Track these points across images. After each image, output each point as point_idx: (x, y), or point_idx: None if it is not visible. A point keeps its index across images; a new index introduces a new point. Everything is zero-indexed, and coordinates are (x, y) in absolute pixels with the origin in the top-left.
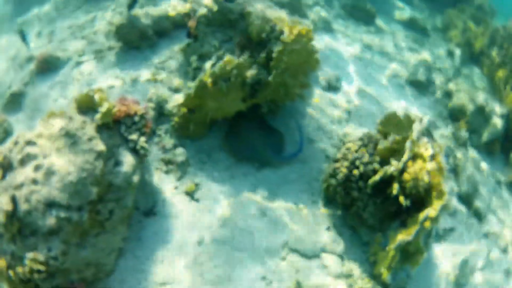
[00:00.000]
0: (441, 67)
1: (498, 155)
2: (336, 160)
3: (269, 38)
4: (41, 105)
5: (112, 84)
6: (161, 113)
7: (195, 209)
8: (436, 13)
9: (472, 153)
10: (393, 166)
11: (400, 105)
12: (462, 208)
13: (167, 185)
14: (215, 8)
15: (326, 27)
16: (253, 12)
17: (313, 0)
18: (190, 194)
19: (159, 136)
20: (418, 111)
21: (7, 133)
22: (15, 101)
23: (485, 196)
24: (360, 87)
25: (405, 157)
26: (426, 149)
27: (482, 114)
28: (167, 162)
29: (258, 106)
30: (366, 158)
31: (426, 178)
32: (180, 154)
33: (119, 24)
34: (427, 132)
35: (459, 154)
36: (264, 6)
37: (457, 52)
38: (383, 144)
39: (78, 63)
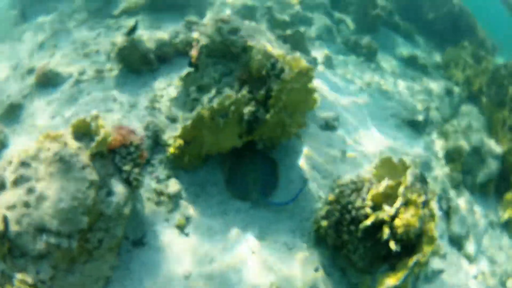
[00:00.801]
0: (438, 106)
1: (492, 196)
2: (329, 203)
3: (269, 75)
4: (38, 120)
5: (110, 107)
6: (157, 142)
7: (184, 243)
8: (438, 50)
9: (466, 194)
10: (385, 212)
11: (396, 144)
12: (452, 250)
13: (158, 216)
14: (218, 39)
15: (327, 63)
16: (254, 47)
17: (316, 33)
18: (181, 228)
19: (153, 166)
20: (414, 152)
21: (3, 145)
22: (13, 112)
23: (477, 238)
24: (357, 126)
25: (398, 203)
26: (419, 196)
27: (477, 155)
28: (159, 193)
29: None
30: (358, 203)
31: (418, 225)
32: (172, 185)
33: (121, 46)
34: (421, 177)
35: (452, 196)
36: (267, 40)
37: (456, 90)
38: (376, 190)
39: (78, 82)
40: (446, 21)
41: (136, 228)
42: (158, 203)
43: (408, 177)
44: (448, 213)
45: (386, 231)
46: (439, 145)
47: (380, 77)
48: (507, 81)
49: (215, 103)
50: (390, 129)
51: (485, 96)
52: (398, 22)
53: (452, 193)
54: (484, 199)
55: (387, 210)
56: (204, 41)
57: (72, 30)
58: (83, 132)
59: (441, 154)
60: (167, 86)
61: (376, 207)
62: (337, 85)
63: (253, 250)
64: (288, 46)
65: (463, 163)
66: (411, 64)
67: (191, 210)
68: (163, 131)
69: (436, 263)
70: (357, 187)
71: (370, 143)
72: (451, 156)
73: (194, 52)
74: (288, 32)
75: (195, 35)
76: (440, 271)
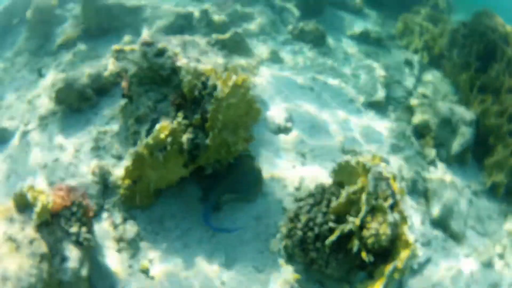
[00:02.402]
0: (400, 79)
1: (472, 164)
2: (290, 220)
3: (202, 95)
4: None
5: (56, 157)
6: (106, 185)
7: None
8: (392, 21)
9: (443, 169)
10: (350, 224)
11: (358, 133)
12: (437, 233)
13: (121, 264)
14: (145, 65)
15: (274, 58)
16: (183, 67)
17: (259, 28)
18: (145, 272)
19: (108, 211)
20: (380, 136)
21: None
22: None
23: (462, 214)
24: (313, 122)
25: (362, 213)
26: (385, 200)
27: (448, 126)
28: (118, 240)
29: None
30: (319, 218)
31: (388, 232)
32: (130, 228)
33: (57, 88)
34: (388, 176)
35: (428, 175)
36: (201, 52)
37: (416, 58)
38: (337, 201)
39: (25, 133)
40: None
41: (103, 281)
42: (119, 250)
43: (370, 182)
44: (426, 196)
45: (355, 243)
46: (406, 121)
47: (332, 61)
48: (469, 39)
49: (150, 139)
50: (348, 118)
51: (447, 59)
52: None
53: (427, 171)
54: (463, 169)
55: (352, 221)
56: (132, 69)
57: (15, 77)
58: (24, 205)
59: (409, 131)
60: (110, 120)
61: (340, 219)
62: (286, 80)
63: (222, 280)
64: (225, 52)
65: (434, 137)
66: (364, 41)
67: (152, 251)
68: (111, 172)
69: (421, 252)
70: (316, 201)
71: (329, 138)
72: (420, 132)
73: (124, 83)
74: (226, 35)
75: (123, 64)
76: (428, 260)
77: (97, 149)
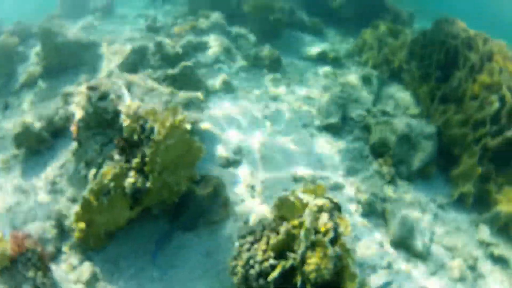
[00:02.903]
0: (358, 97)
1: (436, 177)
2: (233, 257)
3: (141, 138)
4: None
5: (17, 200)
6: (62, 229)
7: None
8: (350, 38)
9: (404, 187)
10: (291, 260)
11: (312, 159)
12: (398, 254)
13: None
14: (90, 109)
15: (226, 87)
16: (123, 111)
17: (213, 57)
18: None
19: (66, 253)
20: (335, 160)
21: None
22: None
23: (425, 231)
24: (264, 151)
25: (301, 249)
26: (325, 234)
27: (407, 142)
28: (76, 281)
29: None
30: (260, 256)
31: (331, 266)
32: (86, 270)
33: (15, 132)
34: (331, 207)
35: (388, 195)
36: (145, 91)
37: (374, 74)
38: (276, 238)
39: None
40: (352, 4)
41: None
42: None
43: (307, 218)
44: (384, 217)
45: (298, 279)
46: (364, 142)
47: (286, 87)
48: (429, 49)
49: (94, 184)
50: (303, 144)
51: (406, 72)
52: (302, 19)
53: (386, 190)
54: (426, 184)
55: (292, 257)
56: (79, 114)
57: None
58: None
59: (367, 151)
60: (66, 162)
61: (283, 254)
62: (238, 110)
63: None
64: (173, 87)
65: (393, 155)
66: (322, 61)
67: None
68: (66, 216)
69: (381, 276)
70: (256, 238)
71: (280, 168)
72: (378, 151)
73: (73, 127)
74: (175, 70)
75: (72, 108)
76: (387, 284)
77: (54, 192)
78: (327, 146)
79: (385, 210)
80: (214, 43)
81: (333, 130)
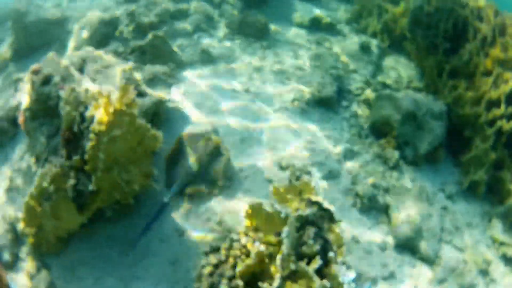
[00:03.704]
0: (356, 67)
1: (445, 162)
2: (196, 279)
3: (81, 130)
4: None
5: None
6: (16, 234)
7: None
8: (346, 4)
9: (410, 174)
10: None
11: (301, 143)
12: (403, 259)
13: None
14: (33, 96)
15: (204, 58)
16: (61, 96)
17: (193, 26)
18: None
19: (23, 260)
20: (329, 141)
21: None
22: None
23: (434, 229)
24: (244, 134)
25: (276, 283)
26: (312, 262)
27: (412, 121)
28: None
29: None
30: (224, 285)
31: None
32: (44, 279)
33: None
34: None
35: (390, 183)
36: (100, 68)
37: (374, 43)
38: (244, 264)
39: None
40: None
41: None
42: None
43: (285, 241)
44: (387, 213)
45: None
46: (362, 120)
47: (274, 56)
48: (435, 18)
49: (33, 188)
50: (293, 119)
51: (410, 42)
52: None
53: (389, 178)
54: (434, 169)
55: None
56: (25, 103)
57: None
58: None
59: (366, 130)
60: (24, 155)
61: (253, 283)
62: (215, 86)
63: None
64: (141, 61)
65: (397, 136)
66: (315, 28)
67: None
68: (18, 219)
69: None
70: (220, 260)
71: (263, 153)
72: (379, 130)
73: (21, 118)
74: (144, 41)
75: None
76: None
77: (11, 190)
78: (319, 125)
79: (388, 205)
80: (195, 10)
81: (327, 105)
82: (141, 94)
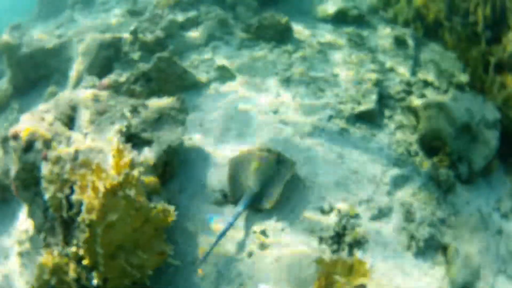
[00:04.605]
0: (393, 65)
1: (496, 172)
2: None
3: (72, 218)
4: None
5: None
6: None
7: None
8: None
9: (464, 196)
10: None
11: (343, 174)
12: None
13: None
14: (19, 165)
15: (222, 75)
16: (44, 173)
17: (206, 35)
18: None
19: None
20: (375, 166)
21: None
22: None
23: (491, 261)
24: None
25: None
26: None
27: (467, 133)
28: None
29: None
30: None
31: None
32: None
33: None
34: None
35: (446, 209)
36: (93, 114)
37: (407, 33)
38: None
39: None
40: None
41: None
42: None
43: None
44: (445, 254)
45: None
46: (410, 130)
47: (301, 62)
48: (473, 2)
49: (34, 281)
50: (332, 142)
51: (448, 30)
52: None
53: (444, 205)
54: (487, 183)
55: None
56: (13, 169)
57: None
58: None
59: (415, 145)
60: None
61: None
62: (236, 109)
63: None
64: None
65: (450, 153)
66: (342, 21)
67: None
68: None
69: None
70: None
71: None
72: (429, 145)
73: (13, 187)
74: (148, 65)
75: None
76: None
77: (21, 255)
78: (363, 145)
79: (447, 245)
80: (207, 16)
81: (368, 118)
82: (147, 142)
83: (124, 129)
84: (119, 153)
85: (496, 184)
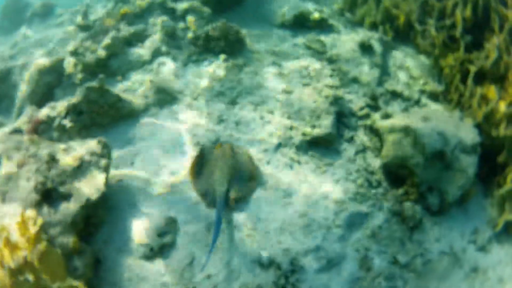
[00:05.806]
0: (357, 75)
1: (474, 199)
2: None
3: None
4: None
5: None
6: None
7: None
8: None
9: (433, 231)
10: None
11: (291, 217)
12: None
13: None
14: None
15: (162, 99)
16: None
17: (153, 49)
18: None
19: None
20: (327, 207)
21: None
22: None
23: None
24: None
25: None
26: None
27: (439, 160)
28: None
29: None
30: None
31: None
32: None
33: None
34: None
35: (411, 251)
36: (12, 168)
37: (375, 37)
38: None
39: None
40: None
41: None
42: None
43: None
44: None
45: None
46: (373, 154)
47: (251, 77)
48: (450, 2)
49: None
50: (276, 186)
51: (420, 34)
52: None
53: (409, 246)
54: (462, 211)
55: None
56: None
57: None
58: None
59: (378, 172)
60: None
61: None
62: (171, 138)
63: None
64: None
65: (418, 184)
66: (301, 26)
67: None
68: None
69: None
70: None
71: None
72: (395, 174)
73: None
74: (75, 98)
75: None
76: None
77: None
78: (316, 178)
79: None
80: (154, 28)
81: (325, 144)
82: (63, 197)
83: (39, 186)
84: (24, 224)
85: (473, 211)
